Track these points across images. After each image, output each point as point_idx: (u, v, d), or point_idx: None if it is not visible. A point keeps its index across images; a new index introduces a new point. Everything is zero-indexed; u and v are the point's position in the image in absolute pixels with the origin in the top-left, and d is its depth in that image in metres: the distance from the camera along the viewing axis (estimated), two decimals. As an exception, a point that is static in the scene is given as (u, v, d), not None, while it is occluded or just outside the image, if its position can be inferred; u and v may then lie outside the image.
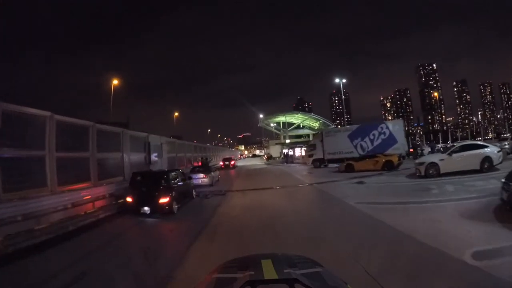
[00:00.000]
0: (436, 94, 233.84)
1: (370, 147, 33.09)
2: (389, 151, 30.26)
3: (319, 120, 76.09)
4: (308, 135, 78.48)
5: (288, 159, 52.97)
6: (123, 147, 17.34)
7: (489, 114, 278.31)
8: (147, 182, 14.14)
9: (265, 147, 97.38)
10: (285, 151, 57.66)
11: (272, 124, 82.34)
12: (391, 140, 32.39)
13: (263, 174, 36.12)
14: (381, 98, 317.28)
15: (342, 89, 56.51)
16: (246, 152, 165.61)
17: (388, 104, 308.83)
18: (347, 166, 28.04)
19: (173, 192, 13.77)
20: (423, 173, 18.60)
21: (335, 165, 34.04)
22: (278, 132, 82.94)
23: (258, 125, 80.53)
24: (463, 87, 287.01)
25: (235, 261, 2.20)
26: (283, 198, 16.92)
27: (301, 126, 79.33)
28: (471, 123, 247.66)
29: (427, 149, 35.72)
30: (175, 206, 13.76)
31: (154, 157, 21.51)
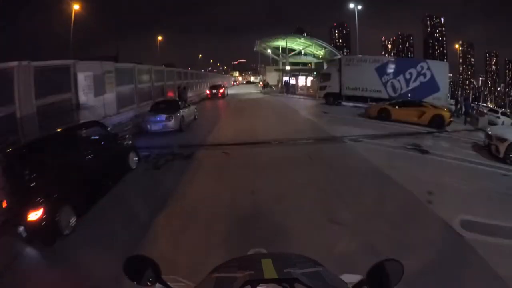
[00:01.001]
0: (457, 46, 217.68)
1: (404, 89, 25.76)
2: (429, 100, 22.02)
3: (325, 48, 64.19)
4: (310, 64, 67.71)
5: (288, 88, 43.60)
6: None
7: (491, 83, 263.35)
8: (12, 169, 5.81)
9: (261, 74, 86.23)
10: (285, 78, 47.94)
11: (269, 51, 70.39)
12: (432, 85, 24.95)
13: (258, 108, 27.15)
14: (383, 38, 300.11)
15: (356, 16, 45.53)
16: (240, 79, 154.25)
17: (390, 46, 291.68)
18: (382, 111, 20.12)
19: (53, 196, 5.82)
20: (501, 155, 11.48)
21: (350, 103, 27.18)
22: (276, 57, 71.62)
23: (254, 49, 69.36)
24: (469, 49, 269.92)
25: (235, 261, 2.00)
26: (301, 174, 9.26)
27: (303, 54, 68.60)
28: (471, 85, 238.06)
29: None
30: (67, 222, 5.90)
31: (83, 96, 12.63)
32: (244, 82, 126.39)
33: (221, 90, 38.32)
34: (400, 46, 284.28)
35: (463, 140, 15.68)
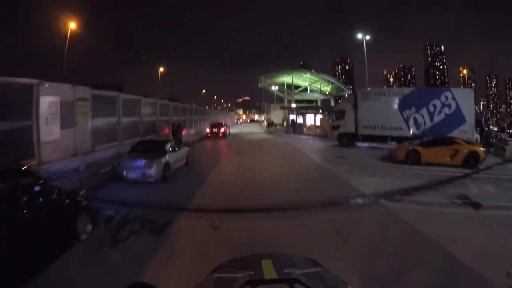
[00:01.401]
0: (465, 71, 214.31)
1: (428, 124, 22.47)
2: (455, 134, 19.76)
3: (332, 83, 61.74)
4: (316, 101, 65.01)
5: (295, 128, 40.20)
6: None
7: (492, 106, 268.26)
8: None
9: (265, 112, 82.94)
10: (291, 117, 44.50)
11: (274, 88, 68.20)
12: (457, 117, 21.91)
13: (263, 151, 23.48)
14: (385, 72, 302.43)
15: (365, 46, 42.98)
16: (244, 117, 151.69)
17: (392, 79, 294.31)
18: (410, 153, 16.71)
19: None
20: None
21: (365, 144, 24.08)
22: (281, 95, 69.12)
23: (259, 85, 66.95)
24: (469, 74, 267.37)
25: (235, 261, 2.09)
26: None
27: (308, 90, 65.92)
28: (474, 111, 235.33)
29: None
30: None
31: (45, 126, 10.06)
32: (248, 120, 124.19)
33: (222, 129, 35.14)
34: (402, 78, 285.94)
35: (504, 178, 13.61)
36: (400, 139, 21.62)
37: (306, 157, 20.07)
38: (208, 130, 35.39)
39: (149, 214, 8.44)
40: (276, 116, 64.58)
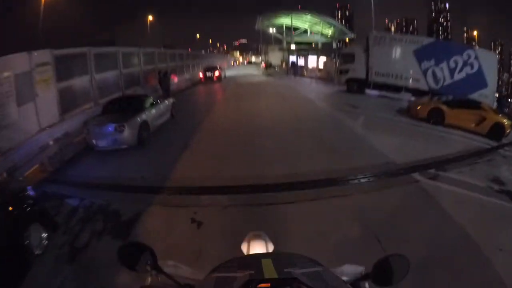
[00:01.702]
0: (475, 32, 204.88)
1: (448, 80, 20.17)
2: (475, 97, 17.70)
3: (334, 26, 58.00)
4: (317, 44, 61.13)
5: (296, 70, 37.22)
6: None
7: None
8: None
9: (263, 54, 78.76)
10: (292, 59, 41.25)
11: (272, 30, 64.24)
12: (479, 79, 19.67)
13: (262, 96, 20.84)
14: (386, 21, 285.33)
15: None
16: (241, 59, 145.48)
17: (393, 28, 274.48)
18: (434, 112, 14.62)
19: None
20: None
21: (374, 92, 21.56)
22: (279, 37, 64.69)
23: (256, 27, 62.64)
24: (474, 36, 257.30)
25: (235, 261, 1.91)
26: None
27: (309, 33, 61.89)
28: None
29: None
30: None
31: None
32: (245, 62, 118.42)
33: (216, 73, 32.07)
34: (404, 29, 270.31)
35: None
36: (416, 92, 19.96)
37: (313, 105, 17.72)
38: (201, 75, 32.39)
39: (116, 201, 6.45)
40: (275, 57, 60.38)
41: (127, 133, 9.42)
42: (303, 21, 59.31)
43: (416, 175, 7.75)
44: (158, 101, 12.39)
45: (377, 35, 22.31)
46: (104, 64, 14.44)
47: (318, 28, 58.93)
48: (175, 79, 24.98)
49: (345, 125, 12.85)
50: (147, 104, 11.24)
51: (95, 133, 9.61)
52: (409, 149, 9.68)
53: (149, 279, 1.77)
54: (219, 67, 35.23)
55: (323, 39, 60.03)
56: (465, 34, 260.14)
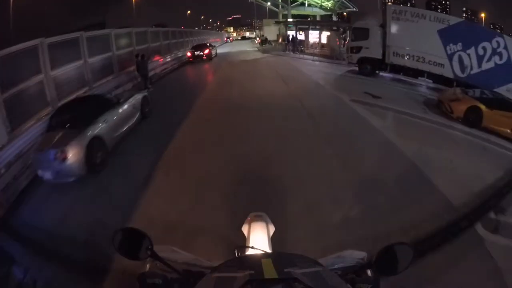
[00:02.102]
0: (483, 14, 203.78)
1: (476, 69, 17.09)
2: (502, 91, 15.36)
3: None
4: (315, 17, 57.21)
5: (295, 46, 33.25)
6: None
7: None
8: None
9: (258, 28, 73.84)
10: (291, 33, 36.59)
11: (267, 3, 60.50)
12: (508, 71, 16.72)
13: (257, 78, 18.03)
14: None
15: None
16: (234, 34, 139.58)
17: (390, 3, 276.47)
18: (471, 111, 11.86)
19: None
20: None
21: (387, 74, 19.46)
22: (275, 9, 60.91)
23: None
24: (473, 17, 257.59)
25: (234, 261, 1.97)
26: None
27: (306, 5, 57.94)
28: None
29: None
30: None
31: None
32: (239, 38, 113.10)
33: (206, 51, 28.67)
34: (401, 5, 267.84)
35: None
36: (440, 78, 17.45)
37: (322, 91, 14.79)
38: (189, 54, 28.83)
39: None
40: (270, 32, 55.80)
41: (71, 161, 6.52)
42: (301, -8, 55.29)
43: (479, 228, 5.25)
44: (120, 100, 9.08)
45: (397, 9, 18.80)
46: (65, 55, 11.42)
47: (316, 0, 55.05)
48: (160, 61, 22.41)
49: (374, 129, 9.70)
50: (103, 109, 8.08)
51: (37, 161, 7.01)
52: (462, 174, 7.03)
53: (148, 266, 1.79)
54: (209, 44, 31.75)
55: (323, 12, 56.06)
56: (464, 15, 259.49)
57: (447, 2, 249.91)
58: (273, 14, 62.87)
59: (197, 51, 28.61)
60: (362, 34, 19.34)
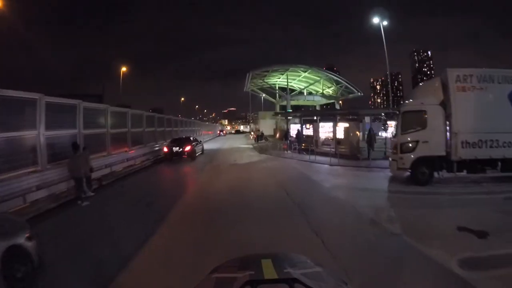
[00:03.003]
0: None
1: None
2: None
3: (338, 83, 48.10)
4: (315, 108, 52.42)
5: (301, 143, 25.82)
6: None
7: None
8: None
9: (252, 122, 68.28)
10: (294, 127, 29.57)
11: (263, 95, 57.35)
12: None
13: (263, 210, 9.67)
14: (371, 80, 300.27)
15: (382, 32, 31.29)
16: (228, 128, 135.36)
17: (378, 87, 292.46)
18: None
19: None
20: None
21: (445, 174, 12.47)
22: (272, 100, 56.53)
23: (245, 88, 53.84)
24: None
25: (235, 261, 2.09)
26: None
27: (305, 93, 53.10)
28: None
29: None
30: None
31: None
32: (233, 131, 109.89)
33: (187, 148, 22.26)
34: (389, 85, 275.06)
35: None
36: None
37: (390, 244, 6.60)
38: (165, 149, 22.58)
39: None
40: (266, 126, 51.45)
41: None
42: (299, 80, 51.23)
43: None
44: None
45: (460, 73, 12.10)
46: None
47: (317, 87, 50.29)
48: (130, 152, 18.53)
49: None
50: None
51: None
52: None
53: None
54: (194, 139, 25.64)
55: (323, 101, 51.18)
56: None
57: (432, 72, 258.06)
58: (269, 106, 58.34)
59: (176, 146, 22.24)
60: (416, 120, 12.43)
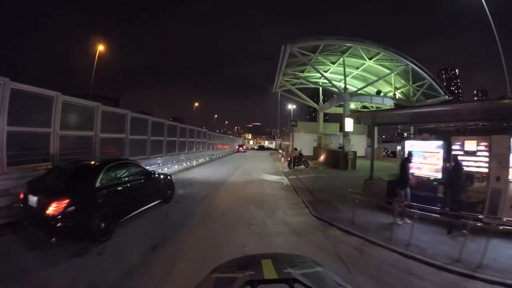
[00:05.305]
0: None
1: None
2: None
3: (419, 80, 29.87)
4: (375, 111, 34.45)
5: (406, 184, 8.86)
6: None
7: None
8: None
9: (281, 136, 51.19)
10: (408, 146, 10.44)
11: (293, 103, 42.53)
12: None
13: None
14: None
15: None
16: (251, 142, 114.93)
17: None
18: None
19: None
20: None
21: None
22: (312, 104, 40.34)
23: (274, 88, 38.14)
24: (483, 97, 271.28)
25: (235, 261, 2.01)
26: None
27: (371, 95, 32.84)
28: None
29: None
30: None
31: None
32: (256, 147, 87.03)
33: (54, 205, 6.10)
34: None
35: None
36: None
37: None
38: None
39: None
40: (302, 143, 34.09)
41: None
42: (356, 76, 34.32)
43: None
44: None
45: None
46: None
47: (382, 86, 33.11)
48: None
49: None
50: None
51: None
52: None
53: None
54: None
55: (391, 103, 32.47)
56: (475, 98, 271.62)
57: (460, 91, 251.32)
58: (301, 117, 42.26)
59: (37, 193, 7.11)
60: None
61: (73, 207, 6.28)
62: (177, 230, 7.90)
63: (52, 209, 6.07)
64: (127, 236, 7.40)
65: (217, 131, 55.38)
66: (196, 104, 71.38)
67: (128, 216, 8.23)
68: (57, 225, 6.07)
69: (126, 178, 8.41)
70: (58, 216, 6.08)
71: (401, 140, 15.68)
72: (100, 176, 7.38)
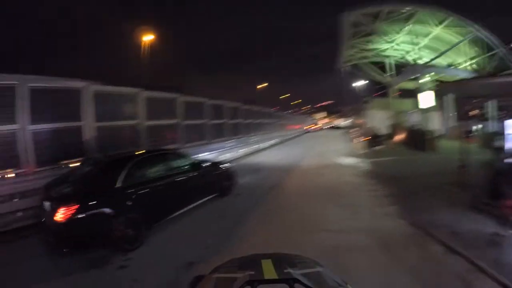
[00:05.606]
0: None
1: None
2: None
3: (491, 48, 26.06)
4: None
5: None
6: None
7: None
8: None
9: (353, 114, 47.73)
10: (507, 127, 7.50)
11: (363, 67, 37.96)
12: None
13: None
14: None
15: None
16: (324, 121, 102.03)
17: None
18: None
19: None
20: None
21: None
22: (379, 78, 37.79)
23: (339, 65, 36.02)
24: None
25: (234, 261, 1.92)
26: None
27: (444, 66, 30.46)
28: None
29: None
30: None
31: None
32: (328, 126, 79.40)
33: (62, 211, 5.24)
34: None
35: None
36: None
37: None
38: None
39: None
40: (375, 121, 30.66)
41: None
42: (423, 47, 30.80)
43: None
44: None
45: None
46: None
47: (451, 57, 29.79)
48: None
49: None
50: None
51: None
52: None
53: None
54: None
55: (466, 75, 28.50)
56: None
57: None
58: (370, 93, 40.11)
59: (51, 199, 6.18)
60: None
61: (83, 214, 5.30)
62: (223, 238, 6.37)
63: (59, 215, 5.12)
64: (163, 244, 6.19)
65: (290, 110, 55.93)
66: (265, 84, 69.99)
67: (166, 218, 7.05)
68: (65, 235, 5.20)
69: (163, 173, 7.25)
70: (66, 223, 5.14)
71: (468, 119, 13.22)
72: (124, 174, 6.27)
